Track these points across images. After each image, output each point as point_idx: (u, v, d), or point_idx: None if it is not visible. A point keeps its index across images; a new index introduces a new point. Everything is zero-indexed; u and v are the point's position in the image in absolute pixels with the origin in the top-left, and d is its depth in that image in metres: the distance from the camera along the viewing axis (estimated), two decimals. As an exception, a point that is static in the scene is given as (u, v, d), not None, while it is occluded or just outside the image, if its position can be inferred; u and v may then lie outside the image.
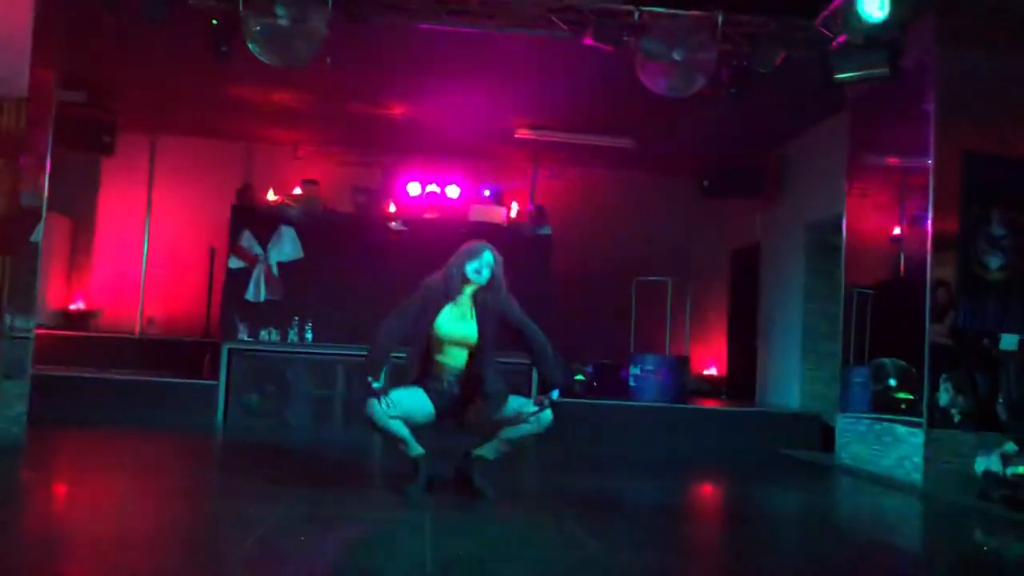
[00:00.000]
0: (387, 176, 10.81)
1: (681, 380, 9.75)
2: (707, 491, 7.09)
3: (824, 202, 9.02)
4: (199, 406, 8.47)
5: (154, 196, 11.29)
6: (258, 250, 9.22)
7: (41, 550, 3.62)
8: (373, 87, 9.12)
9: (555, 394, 4.93)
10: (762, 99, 7.83)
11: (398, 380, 4.98)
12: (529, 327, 5.02)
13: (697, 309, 11.24)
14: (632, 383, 9.64)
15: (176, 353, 9.89)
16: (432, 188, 10.65)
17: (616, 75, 7.30)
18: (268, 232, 9.29)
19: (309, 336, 9.02)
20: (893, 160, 7.97)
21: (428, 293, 4.98)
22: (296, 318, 9.05)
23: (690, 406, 9.38)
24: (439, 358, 4.94)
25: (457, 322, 4.94)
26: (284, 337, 8.94)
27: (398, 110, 9.80)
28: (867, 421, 7.38)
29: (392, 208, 10.19)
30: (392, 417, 4.76)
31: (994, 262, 6.60)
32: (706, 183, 10.76)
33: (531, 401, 4.94)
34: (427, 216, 10.07)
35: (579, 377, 9.99)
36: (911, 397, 7.18)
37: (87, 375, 8.59)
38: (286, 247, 9.30)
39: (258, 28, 6.47)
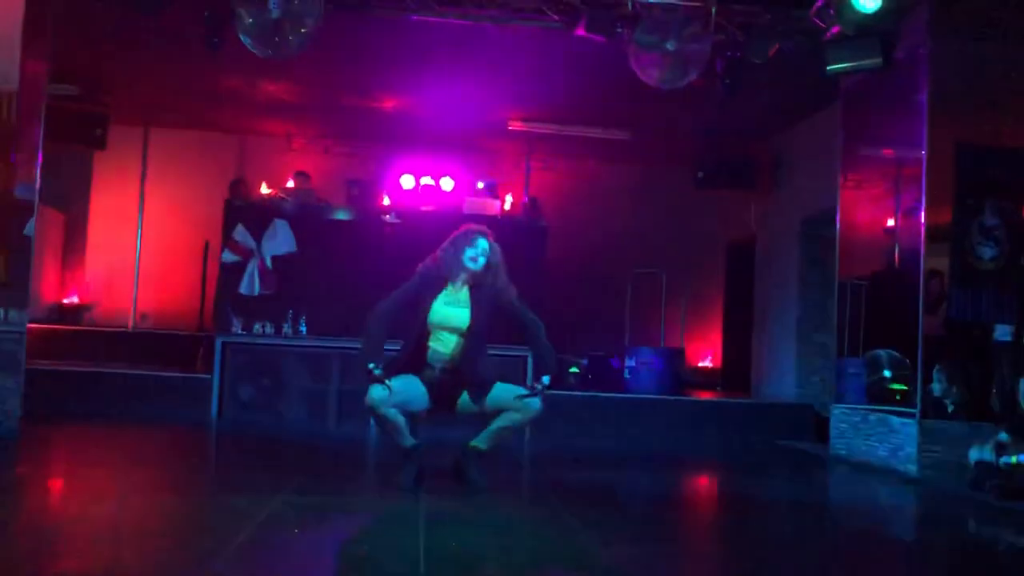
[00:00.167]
0: (381, 169, 10.80)
1: (676, 372, 9.74)
2: (702, 482, 7.10)
3: (818, 194, 9.01)
4: (193, 400, 8.45)
5: (147, 189, 11.24)
6: (252, 243, 9.19)
7: (35, 544, 3.61)
8: (366, 79, 9.11)
9: (546, 379, 4.94)
10: (756, 90, 7.83)
11: (390, 368, 4.97)
12: (525, 312, 5.05)
13: (692, 301, 11.25)
14: (627, 375, 9.64)
15: (170, 347, 9.88)
16: (426, 180, 10.62)
17: (609, 66, 7.29)
18: (262, 225, 9.26)
19: (303, 329, 9.00)
20: (887, 151, 7.99)
21: (423, 279, 4.99)
22: (290, 311, 9.01)
23: (685, 398, 9.38)
24: (430, 343, 4.94)
25: (450, 308, 4.94)
26: (278, 330, 8.92)
27: (391, 102, 9.79)
28: (861, 412, 7.40)
29: (386, 201, 10.17)
30: (392, 405, 4.76)
31: (987, 253, 6.61)
32: (700, 175, 10.73)
33: (522, 388, 4.95)
34: (421, 209, 10.05)
35: (574, 369, 9.97)
36: (905, 388, 7.21)
37: (81, 369, 8.58)
38: (280, 240, 9.26)
39: (250, 20, 6.45)
